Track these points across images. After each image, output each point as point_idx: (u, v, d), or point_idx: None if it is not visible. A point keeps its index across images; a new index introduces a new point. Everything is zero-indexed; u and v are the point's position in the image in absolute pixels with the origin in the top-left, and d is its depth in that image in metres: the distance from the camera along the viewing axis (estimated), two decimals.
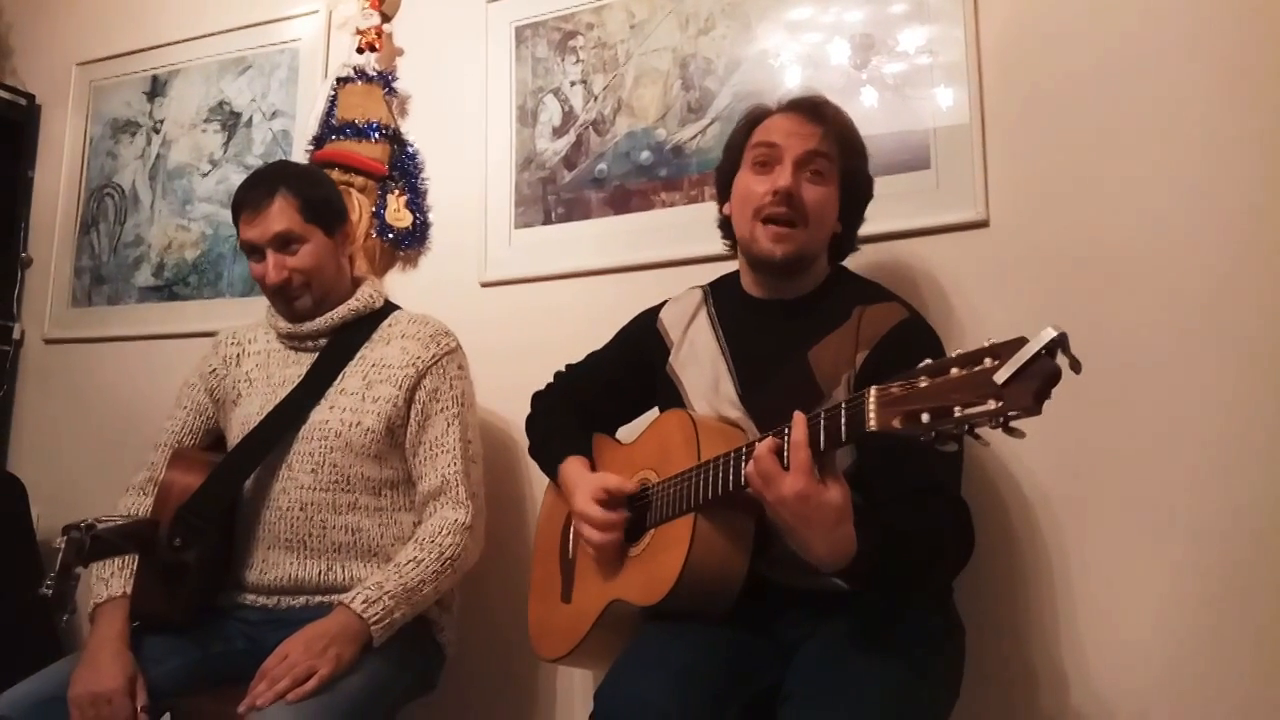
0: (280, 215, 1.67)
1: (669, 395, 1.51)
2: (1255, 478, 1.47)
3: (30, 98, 2.84)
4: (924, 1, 1.78)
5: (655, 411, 1.57)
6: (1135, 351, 1.56)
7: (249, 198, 1.69)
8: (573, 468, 1.52)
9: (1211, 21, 1.58)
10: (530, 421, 1.70)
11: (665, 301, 1.63)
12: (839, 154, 1.41)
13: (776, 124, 1.44)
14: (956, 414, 0.87)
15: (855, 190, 1.46)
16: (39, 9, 2.91)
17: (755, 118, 1.48)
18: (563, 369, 1.72)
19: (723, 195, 1.54)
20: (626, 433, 1.62)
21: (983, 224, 1.69)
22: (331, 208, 1.75)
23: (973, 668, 1.35)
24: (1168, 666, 1.50)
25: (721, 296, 1.56)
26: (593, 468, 1.52)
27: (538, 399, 1.71)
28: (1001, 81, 1.71)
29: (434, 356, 1.71)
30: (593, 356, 1.69)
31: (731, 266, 1.60)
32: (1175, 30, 1.60)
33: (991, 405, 0.84)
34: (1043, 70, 1.69)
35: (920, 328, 1.37)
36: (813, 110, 1.43)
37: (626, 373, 1.62)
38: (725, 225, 1.55)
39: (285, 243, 1.68)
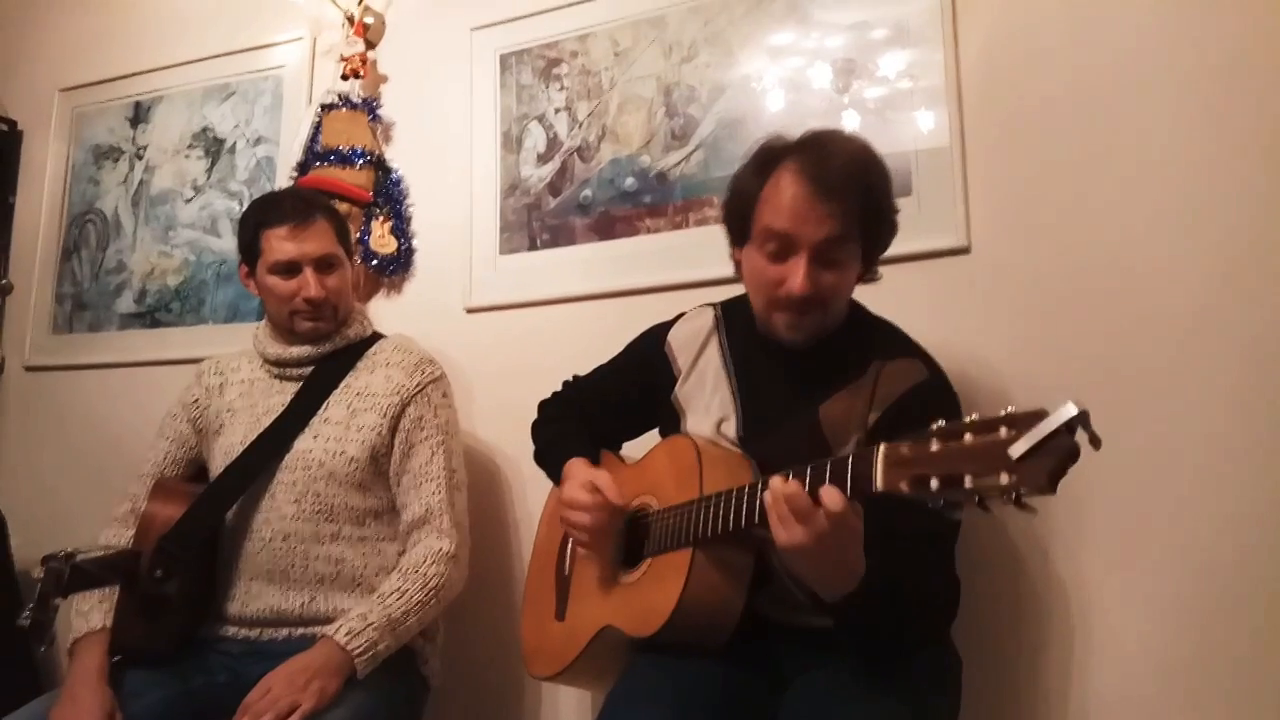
0: (326, 236, 1.70)
1: (671, 423, 1.48)
2: (1240, 502, 1.48)
3: (12, 124, 2.82)
4: (904, 26, 1.80)
5: (657, 433, 1.54)
6: (1118, 378, 1.56)
7: (292, 210, 1.68)
8: (576, 465, 1.47)
9: (1190, 44, 1.60)
10: (537, 426, 1.66)
11: (677, 318, 1.56)
12: (860, 220, 1.27)
13: (787, 204, 1.26)
14: (967, 484, 0.84)
15: (877, 240, 1.34)
16: (22, 34, 2.91)
17: (764, 173, 1.31)
18: (570, 379, 1.69)
19: (733, 236, 1.39)
20: (630, 451, 1.59)
21: (964, 250, 1.70)
22: (350, 239, 1.77)
23: (970, 697, 1.34)
24: (1164, 677, 1.50)
25: (734, 324, 1.48)
26: None
27: (545, 406, 1.68)
28: (981, 105, 1.73)
29: (418, 385, 1.70)
30: (599, 371, 1.65)
31: (716, 294, 1.60)
32: (1155, 53, 1.62)
33: (1004, 480, 0.81)
34: (1022, 94, 1.70)
35: (938, 391, 1.30)
36: (826, 188, 1.24)
37: (631, 392, 1.58)
38: (738, 268, 1.41)
39: (327, 265, 1.69)
